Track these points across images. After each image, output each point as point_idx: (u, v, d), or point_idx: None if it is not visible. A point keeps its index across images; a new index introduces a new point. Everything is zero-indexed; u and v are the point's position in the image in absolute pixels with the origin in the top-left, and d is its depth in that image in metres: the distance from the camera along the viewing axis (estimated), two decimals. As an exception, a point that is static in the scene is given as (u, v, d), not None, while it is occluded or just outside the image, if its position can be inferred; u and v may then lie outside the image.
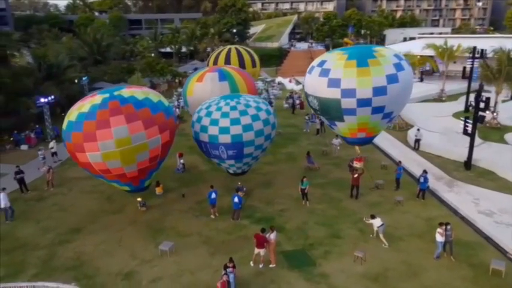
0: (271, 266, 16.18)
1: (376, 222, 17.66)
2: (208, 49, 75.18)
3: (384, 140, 32.09)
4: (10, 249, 17.69)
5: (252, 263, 16.26)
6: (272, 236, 16.00)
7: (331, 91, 18.48)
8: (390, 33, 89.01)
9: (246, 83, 26.14)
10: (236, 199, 19.62)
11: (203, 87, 26.01)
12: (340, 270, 15.88)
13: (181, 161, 25.89)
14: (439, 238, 16.31)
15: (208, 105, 19.96)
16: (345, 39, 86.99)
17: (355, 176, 21.68)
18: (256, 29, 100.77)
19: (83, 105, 17.80)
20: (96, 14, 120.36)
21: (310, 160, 26.47)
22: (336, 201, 21.73)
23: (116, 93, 18.13)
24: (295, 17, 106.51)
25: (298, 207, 21.12)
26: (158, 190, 22.79)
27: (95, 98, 18.00)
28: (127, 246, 17.79)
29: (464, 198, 21.68)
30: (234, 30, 78.84)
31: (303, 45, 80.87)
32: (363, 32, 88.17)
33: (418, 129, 29.95)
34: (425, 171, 21.98)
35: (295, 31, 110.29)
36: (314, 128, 34.71)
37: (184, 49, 79.09)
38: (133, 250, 17.43)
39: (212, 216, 20.20)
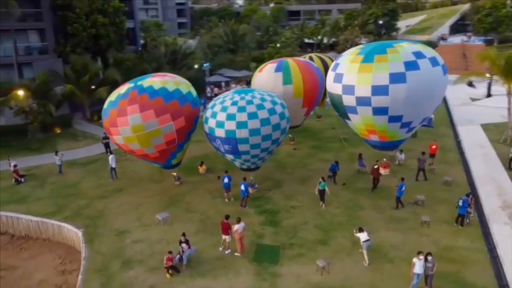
0: (236, 254, 16.65)
1: (362, 236, 16.03)
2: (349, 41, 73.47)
3: (477, 153, 27.25)
4: (67, 195, 22.57)
5: (220, 248, 17.02)
6: (237, 226, 16.35)
7: (335, 86, 17.33)
8: None
9: (303, 75, 25.74)
10: (242, 187, 20.30)
11: (261, 77, 26.92)
12: (295, 275, 15.30)
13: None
14: (415, 269, 13.99)
15: (218, 98, 20.81)
16: (519, 33, 72.88)
17: (375, 167, 20.38)
18: (414, 20, 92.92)
19: (113, 95, 20.96)
20: (272, 5, 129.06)
21: (362, 163, 24.70)
22: (356, 209, 20.19)
23: (139, 83, 20.67)
24: (465, 7, 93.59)
25: (312, 207, 20.43)
26: (201, 170, 25.04)
27: (123, 88, 20.91)
28: (141, 210, 20.60)
29: (518, 235, 17.37)
30: (380, 22, 74.48)
31: (456, 39, 70.99)
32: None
33: (514, 146, 24.43)
34: (467, 195, 18.40)
35: (465, 22, 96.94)
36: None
37: (325, 40, 78.98)
38: (143, 214, 20.09)
39: (226, 200, 21.35)
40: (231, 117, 18.89)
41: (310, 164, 26.42)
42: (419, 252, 14.11)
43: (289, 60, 27.35)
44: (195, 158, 26.02)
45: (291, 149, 29.16)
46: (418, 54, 16.27)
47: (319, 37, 79.60)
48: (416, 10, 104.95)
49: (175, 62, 43.91)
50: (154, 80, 21.12)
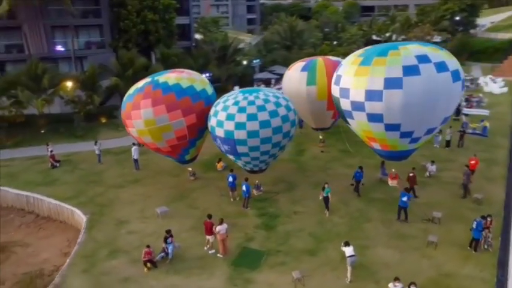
0: (218, 255, 16.46)
1: (347, 251, 14.92)
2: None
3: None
4: (90, 181, 24.00)
5: (205, 247, 16.92)
6: (219, 227, 16.11)
7: (335, 88, 16.26)
8: None
9: (328, 76, 24.31)
10: (244, 187, 19.97)
11: (289, 76, 26.35)
12: (268, 284, 14.76)
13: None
14: (391, 296, 12.69)
15: (223, 97, 20.49)
16: None
17: (411, 175, 19.87)
18: (501, 16, 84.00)
19: (132, 88, 21.63)
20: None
21: (384, 171, 23.01)
22: (362, 220, 18.89)
23: (155, 78, 21.21)
24: None
25: (315, 214, 19.50)
26: (218, 166, 25.13)
27: (141, 82, 21.58)
28: (148, 202, 21.20)
29: (541, 268, 14.93)
30: (457, 18, 68.25)
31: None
32: None
33: None
34: (482, 216, 16.20)
35: None
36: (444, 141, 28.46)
37: (394, 37, 74.38)
38: (147, 207, 20.67)
39: (231, 199, 21.16)
40: (230, 117, 18.62)
41: (332, 168, 25.20)
42: (396, 279, 12.77)
43: (319, 59, 26.25)
44: (217, 154, 26.07)
45: (319, 151, 28.05)
46: (422, 58, 14.39)
47: (388, 34, 75.17)
48: (507, 5, 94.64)
49: (225, 58, 44.46)
50: (170, 76, 21.56)
